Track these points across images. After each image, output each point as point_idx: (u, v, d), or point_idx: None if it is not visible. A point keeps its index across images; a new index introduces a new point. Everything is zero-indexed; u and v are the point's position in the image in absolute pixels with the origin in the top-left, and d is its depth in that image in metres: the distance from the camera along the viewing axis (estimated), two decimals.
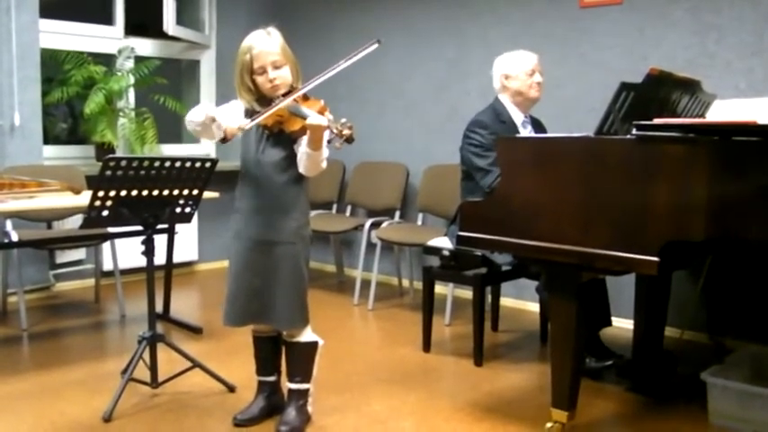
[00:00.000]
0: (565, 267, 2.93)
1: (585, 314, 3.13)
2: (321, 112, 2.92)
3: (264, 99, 3.04)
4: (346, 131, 2.82)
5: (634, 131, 2.73)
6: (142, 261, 3.54)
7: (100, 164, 3.14)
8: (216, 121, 2.95)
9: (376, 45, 3.02)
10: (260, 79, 3.03)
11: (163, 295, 4.96)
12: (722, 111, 3.78)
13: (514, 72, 4.17)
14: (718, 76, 4.27)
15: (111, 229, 4.63)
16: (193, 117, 2.99)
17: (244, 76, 3.05)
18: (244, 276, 3.11)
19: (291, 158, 3.06)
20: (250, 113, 3.04)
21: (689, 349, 4.42)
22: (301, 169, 3.04)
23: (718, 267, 4.33)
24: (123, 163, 3.14)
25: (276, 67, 3.02)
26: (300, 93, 3.00)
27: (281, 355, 3.31)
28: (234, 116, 3.02)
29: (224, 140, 2.98)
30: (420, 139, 5.97)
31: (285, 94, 3.00)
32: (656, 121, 2.74)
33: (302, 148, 2.99)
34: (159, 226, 3.53)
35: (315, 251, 6.57)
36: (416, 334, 4.47)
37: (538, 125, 4.35)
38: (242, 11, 6.79)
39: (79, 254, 5.83)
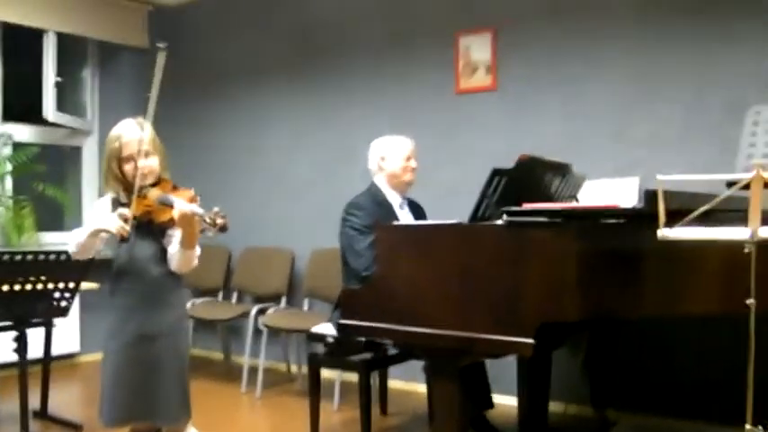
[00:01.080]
0: (444, 352, 2.97)
1: (467, 396, 3.16)
2: (191, 202, 2.84)
3: (131, 188, 2.97)
4: (220, 220, 2.73)
5: (504, 217, 2.82)
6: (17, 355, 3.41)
7: None
8: (101, 232, 2.91)
9: (164, 52, 3.01)
10: (127, 167, 2.97)
11: (41, 391, 4.76)
12: (593, 190, 3.96)
13: (390, 155, 4.28)
14: (587, 159, 4.45)
15: None
16: (76, 241, 2.94)
17: (112, 163, 2.98)
18: (124, 374, 2.96)
19: (165, 250, 3.00)
20: (117, 203, 3.00)
21: (574, 423, 4.50)
22: (173, 266, 2.98)
23: (597, 341, 4.46)
24: None
25: (145, 156, 2.98)
26: (147, 123, 2.96)
27: None
28: (108, 215, 2.94)
29: (123, 239, 2.91)
30: (305, 224, 5.99)
31: (154, 185, 2.96)
32: (525, 206, 2.84)
33: (173, 247, 2.95)
34: (33, 320, 3.42)
35: (201, 339, 6.50)
36: (305, 421, 4.37)
37: (417, 209, 4.43)
38: (124, 96, 6.71)
39: None
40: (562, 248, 2.73)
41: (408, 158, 4.29)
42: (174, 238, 2.94)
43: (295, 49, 6.15)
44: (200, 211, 2.76)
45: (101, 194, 3.08)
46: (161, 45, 3.02)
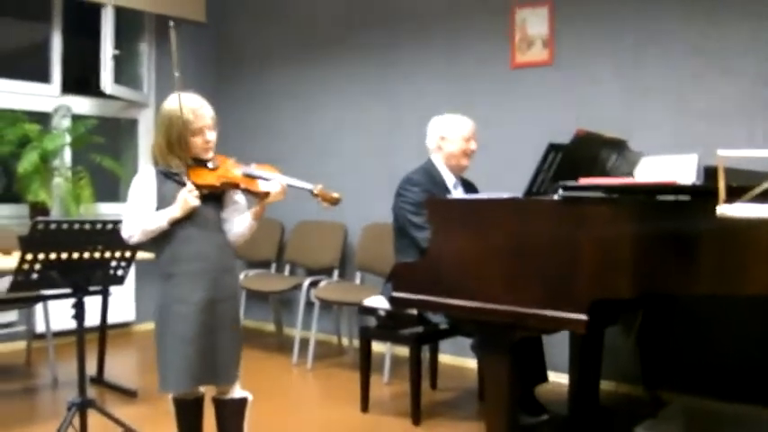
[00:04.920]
0: (496, 327, 2.96)
1: (520, 371, 3.16)
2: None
3: (192, 160, 3.08)
4: (335, 194, 3.17)
5: (560, 192, 2.79)
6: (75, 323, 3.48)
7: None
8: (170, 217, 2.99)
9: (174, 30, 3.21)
10: (196, 140, 3.04)
11: (97, 358, 4.86)
12: (650, 168, 3.89)
13: (451, 135, 4.24)
14: (644, 134, 4.38)
15: (44, 291, 4.53)
16: (144, 228, 3.00)
17: (184, 135, 3.02)
18: (196, 339, 3.02)
19: (221, 219, 3.13)
20: (165, 175, 3.06)
21: (625, 402, 4.47)
22: (236, 234, 3.15)
23: (650, 320, 4.41)
24: (52, 226, 3.10)
25: (210, 129, 3.07)
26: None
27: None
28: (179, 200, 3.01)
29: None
30: (357, 198, 5.97)
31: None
32: (581, 181, 2.80)
33: (240, 216, 3.13)
34: (92, 288, 3.48)
35: (253, 310, 6.57)
36: (355, 393, 4.43)
37: (469, 186, 4.40)
38: (182, 69, 6.77)
39: (10, 316, 5.68)
40: (618, 224, 2.70)
41: (468, 140, 4.25)
42: (237, 208, 3.15)
43: (347, 21, 6.14)
44: (308, 185, 3.12)
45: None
46: (171, 24, 3.15)
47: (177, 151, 3.04)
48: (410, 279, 3.18)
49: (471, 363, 5.16)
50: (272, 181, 3.06)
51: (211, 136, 3.08)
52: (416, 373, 4.16)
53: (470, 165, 4.35)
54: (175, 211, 2.98)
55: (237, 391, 3.20)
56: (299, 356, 5.56)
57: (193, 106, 3.06)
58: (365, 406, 4.38)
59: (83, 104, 6.44)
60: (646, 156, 3.79)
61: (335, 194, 3.16)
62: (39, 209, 5.75)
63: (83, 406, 3.45)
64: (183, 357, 3.03)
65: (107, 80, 6.08)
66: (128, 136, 6.96)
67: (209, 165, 3.06)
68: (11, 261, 3.97)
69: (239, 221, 3.13)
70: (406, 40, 5.78)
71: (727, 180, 2.22)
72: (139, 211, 3.03)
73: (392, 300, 3.28)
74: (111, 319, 5.07)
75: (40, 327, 5.50)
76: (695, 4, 4.45)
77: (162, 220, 2.98)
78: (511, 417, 3.10)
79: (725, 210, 2.29)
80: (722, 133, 4.29)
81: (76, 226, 3.18)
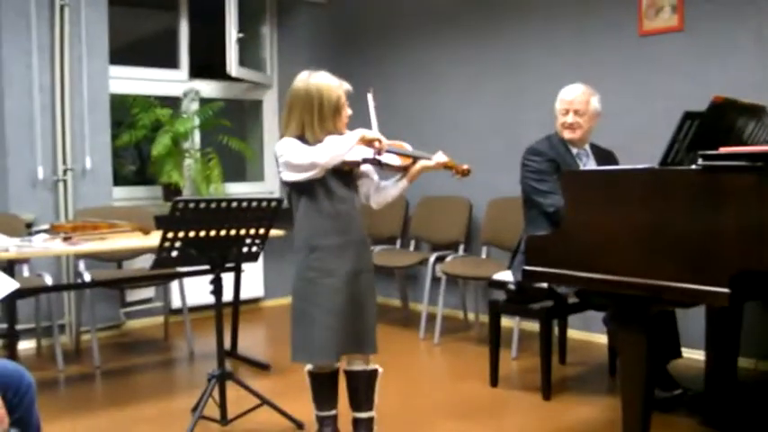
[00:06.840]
0: (633, 300, 2.89)
1: (655, 346, 3.08)
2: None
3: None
4: (466, 166, 3.52)
5: (700, 161, 2.69)
6: (209, 298, 3.61)
7: (167, 204, 3.23)
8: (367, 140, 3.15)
9: (370, 95, 3.49)
10: (341, 116, 3.21)
11: (230, 332, 5.02)
12: None
13: (556, 107, 4.21)
14: None
15: (180, 268, 4.70)
16: (333, 153, 3.05)
17: (336, 111, 3.17)
18: (345, 310, 3.15)
19: (356, 191, 3.30)
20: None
21: (766, 381, 4.30)
22: (380, 202, 3.36)
23: None
24: (191, 205, 3.21)
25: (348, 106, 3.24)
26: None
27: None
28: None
29: (375, 155, 3.24)
30: (482, 172, 5.91)
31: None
32: (722, 150, 2.70)
33: (391, 186, 3.34)
34: (227, 264, 3.60)
35: (379, 285, 6.60)
36: (483, 368, 4.43)
37: (607, 157, 4.31)
38: (303, 50, 6.88)
39: (148, 292, 5.93)
40: (762, 193, 2.58)
41: (565, 112, 4.17)
42: (370, 177, 3.34)
43: None
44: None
45: None
46: (369, 89, 3.46)
47: (329, 126, 3.15)
48: (543, 252, 3.14)
49: (600, 337, 5.08)
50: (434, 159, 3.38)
51: (349, 111, 3.24)
52: (546, 348, 4.12)
53: (598, 134, 4.26)
54: (363, 132, 3.14)
55: (372, 363, 3.30)
56: (425, 331, 5.60)
57: (340, 82, 3.21)
58: (494, 381, 4.37)
59: (209, 88, 6.62)
60: None
61: (465, 166, 3.46)
62: (172, 190, 5.96)
63: (222, 378, 3.58)
64: (331, 329, 3.13)
65: (232, 63, 6.22)
66: (252, 116, 7.12)
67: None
68: (149, 240, 4.13)
69: (381, 189, 3.35)
70: (530, 9, 5.67)
71: None
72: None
73: (524, 273, 3.25)
74: (241, 295, 5.21)
75: (175, 302, 5.71)
76: None
77: (348, 141, 3.09)
78: (648, 393, 3.03)
79: None
80: None
81: (214, 204, 3.28)
